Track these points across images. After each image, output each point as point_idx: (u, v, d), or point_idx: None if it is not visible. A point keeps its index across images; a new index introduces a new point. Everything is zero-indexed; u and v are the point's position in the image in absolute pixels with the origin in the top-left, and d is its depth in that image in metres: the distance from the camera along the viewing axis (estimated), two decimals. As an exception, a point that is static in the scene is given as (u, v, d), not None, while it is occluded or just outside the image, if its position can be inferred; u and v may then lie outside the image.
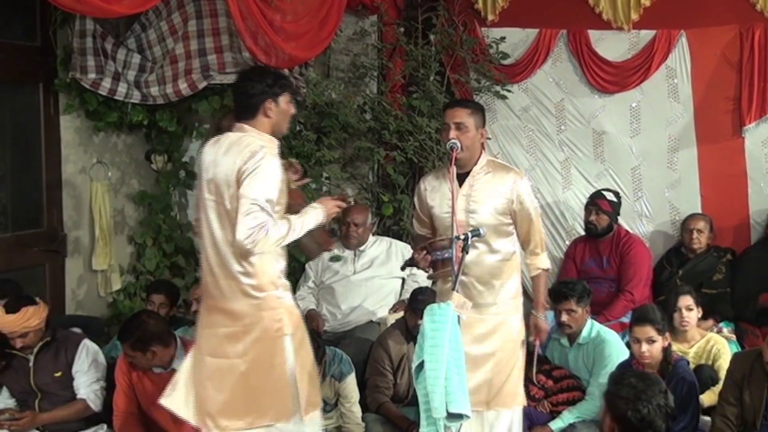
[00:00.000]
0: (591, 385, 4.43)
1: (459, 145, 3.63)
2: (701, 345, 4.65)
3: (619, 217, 5.61)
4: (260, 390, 3.32)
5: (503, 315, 3.76)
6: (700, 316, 4.73)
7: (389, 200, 5.79)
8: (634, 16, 5.77)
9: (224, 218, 3.28)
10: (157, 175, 6.06)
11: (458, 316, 3.38)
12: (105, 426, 4.36)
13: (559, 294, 4.57)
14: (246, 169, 3.20)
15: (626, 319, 4.75)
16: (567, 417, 4.35)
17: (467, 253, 3.48)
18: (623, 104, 5.91)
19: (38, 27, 5.34)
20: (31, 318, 4.16)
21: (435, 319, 3.32)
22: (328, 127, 5.77)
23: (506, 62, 6.06)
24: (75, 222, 5.61)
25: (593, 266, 5.55)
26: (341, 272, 5.32)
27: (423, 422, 3.33)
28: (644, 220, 5.89)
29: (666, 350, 4.08)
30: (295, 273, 5.28)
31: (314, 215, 3.37)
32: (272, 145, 3.35)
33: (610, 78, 5.88)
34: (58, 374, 4.28)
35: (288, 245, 3.38)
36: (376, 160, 5.92)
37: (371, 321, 5.23)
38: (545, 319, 3.92)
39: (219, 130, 3.70)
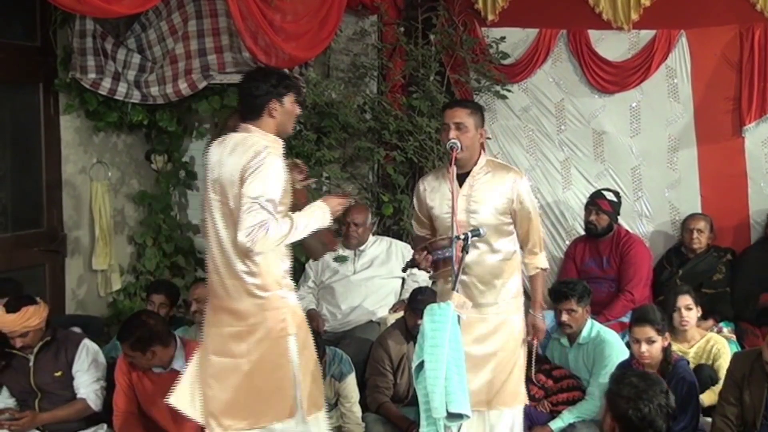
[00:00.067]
0: (591, 385, 4.43)
1: (459, 145, 3.64)
2: (701, 345, 4.65)
3: (619, 217, 5.61)
4: (263, 390, 3.33)
5: (505, 314, 3.76)
6: (699, 315, 4.73)
7: (389, 200, 5.79)
8: (634, 16, 5.76)
9: (228, 218, 3.29)
10: (157, 175, 6.07)
11: (458, 316, 3.38)
12: (105, 426, 4.36)
13: (559, 294, 4.57)
14: (249, 168, 3.21)
15: (626, 319, 4.75)
16: (567, 417, 4.35)
17: (467, 252, 3.49)
18: (623, 104, 5.91)
19: (38, 27, 5.35)
20: (32, 318, 4.16)
21: (435, 319, 3.32)
22: (328, 127, 5.77)
23: (506, 62, 6.06)
24: (75, 222, 5.62)
25: (593, 266, 5.55)
26: (341, 272, 5.33)
27: (423, 422, 3.33)
28: (644, 220, 5.89)
29: (666, 350, 4.08)
30: (295, 273, 5.26)
31: (319, 213, 3.37)
32: (277, 146, 3.36)
33: (610, 78, 5.88)
34: (58, 374, 4.28)
35: (292, 245, 3.39)
36: (376, 160, 5.92)
37: (371, 321, 5.23)
38: (543, 318, 3.92)
39: (225, 129, 3.70)
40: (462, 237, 3.47)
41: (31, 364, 4.26)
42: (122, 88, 5.47)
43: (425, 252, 3.69)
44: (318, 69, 5.96)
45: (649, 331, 4.02)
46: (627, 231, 5.64)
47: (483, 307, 3.72)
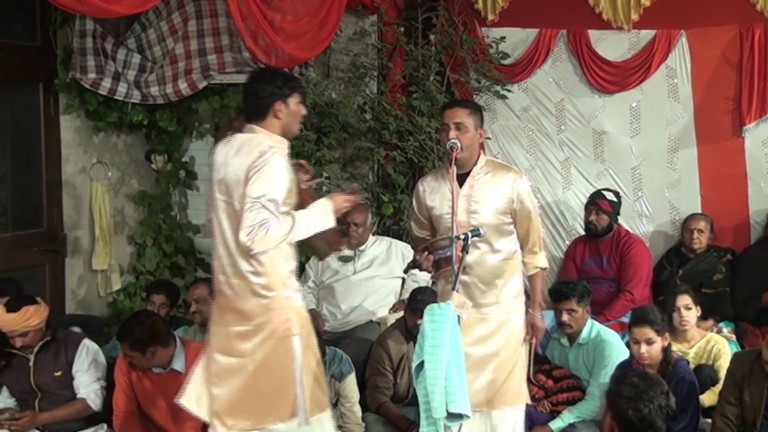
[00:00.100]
0: (591, 385, 4.43)
1: (459, 145, 3.64)
2: (701, 345, 4.65)
3: (619, 217, 5.61)
4: (267, 390, 3.34)
5: (506, 314, 3.77)
6: (699, 314, 4.73)
7: (389, 200, 5.79)
8: (634, 16, 5.76)
9: (234, 218, 3.30)
10: (157, 175, 6.07)
11: (458, 316, 3.38)
12: (105, 426, 4.35)
13: (559, 294, 4.57)
14: (253, 167, 3.22)
15: (626, 319, 4.75)
16: (567, 417, 4.35)
17: (467, 252, 3.49)
18: (623, 104, 5.90)
19: (38, 27, 5.35)
20: (32, 317, 4.16)
21: (435, 319, 3.32)
22: (328, 127, 5.77)
23: (506, 62, 6.06)
24: (75, 222, 5.62)
25: (593, 266, 5.55)
26: (341, 272, 5.33)
27: (423, 422, 3.33)
28: (644, 220, 5.89)
29: (666, 350, 4.08)
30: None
31: (321, 212, 3.37)
32: (282, 146, 3.37)
33: (610, 78, 5.88)
34: (58, 374, 4.28)
35: (297, 244, 3.39)
36: (376, 160, 5.92)
37: (371, 321, 5.23)
38: (542, 317, 3.92)
39: (230, 130, 3.71)
40: (462, 237, 3.47)
41: (31, 363, 4.26)
42: (122, 88, 5.47)
43: (426, 252, 3.69)
44: (318, 69, 5.96)
45: (649, 332, 4.02)
46: (627, 231, 5.64)
47: (484, 307, 3.72)
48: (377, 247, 5.40)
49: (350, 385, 4.48)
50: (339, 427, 4.46)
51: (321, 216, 3.36)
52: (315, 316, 5.10)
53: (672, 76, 5.79)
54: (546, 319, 4.10)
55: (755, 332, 5.12)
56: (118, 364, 4.21)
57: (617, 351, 4.43)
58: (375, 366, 4.58)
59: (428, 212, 3.85)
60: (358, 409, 4.49)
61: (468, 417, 3.33)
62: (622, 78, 5.85)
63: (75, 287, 5.65)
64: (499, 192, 3.72)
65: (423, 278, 5.18)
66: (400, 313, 4.87)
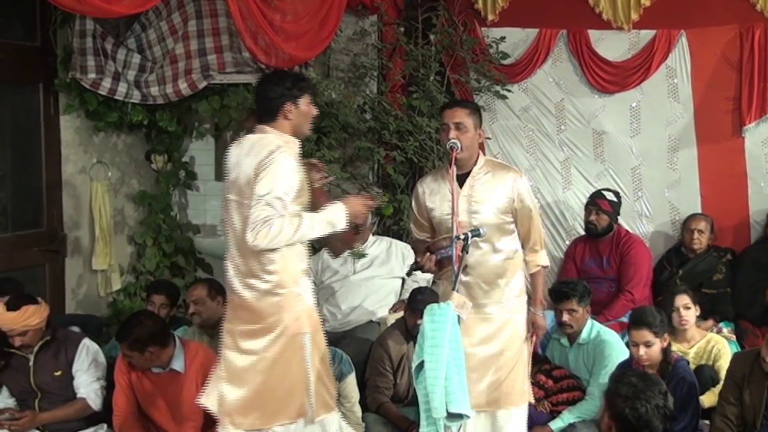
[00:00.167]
0: (591, 385, 4.43)
1: (459, 145, 3.64)
2: (701, 345, 4.65)
3: (619, 217, 5.61)
4: (279, 389, 3.35)
5: (509, 314, 3.77)
6: (698, 314, 4.73)
7: (389, 200, 5.79)
8: (634, 16, 5.75)
9: (245, 218, 3.30)
10: (157, 175, 6.07)
11: (458, 316, 3.38)
12: (105, 426, 4.35)
13: (560, 294, 4.57)
14: (261, 166, 3.24)
15: (626, 319, 4.74)
16: (567, 417, 4.35)
17: (467, 252, 3.49)
18: (623, 104, 5.90)
19: (38, 27, 5.35)
20: (31, 317, 4.16)
21: (435, 319, 3.33)
22: (328, 127, 5.77)
23: (506, 62, 6.05)
24: (75, 222, 5.62)
25: (593, 266, 5.54)
26: (341, 272, 5.33)
27: (423, 422, 3.33)
28: (644, 220, 5.89)
29: (666, 350, 4.08)
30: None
31: (335, 215, 3.36)
32: (292, 145, 3.39)
33: (610, 78, 5.87)
34: (58, 373, 4.28)
35: (310, 244, 3.41)
36: (376, 160, 5.92)
37: (371, 321, 5.23)
38: (543, 315, 3.92)
39: (242, 131, 3.73)
40: (462, 237, 3.48)
41: (31, 363, 4.26)
42: (122, 88, 5.47)
43: (428, 253, 3.69)
44: (318, 69, 5.96)
45: (647, 335, 4.02)
46: (627, 231, 5.64)
47: (487, 306, 3.72)
48: (377, 247, 5.40)
49: (350, 385, 4.47)
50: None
51: (332, 219, 3.35)
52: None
53: (672, 76, 5.79)
54: (546, 318, 4.10)
55: (755, 332, 5.12)
56: (118, 364, 4.21)
57: (617, 351, 4.43)
58: (375, 366, 4.58)
59: (428, 213, 3.85)
60: (358, 409, 4.49)
61: (468, 417, 3.34)
62: (622, 78, 5.85)
63: (75, 287, 5.65)
64: (500, 191, 3.72)
65: (423, 278, 5.18)
66: (400, 313, 4.87)
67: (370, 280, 5.29)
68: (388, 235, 5.70)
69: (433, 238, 3.85)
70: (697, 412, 4.00)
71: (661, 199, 5.86)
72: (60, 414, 4.26)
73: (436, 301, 3.58)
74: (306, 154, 5.52)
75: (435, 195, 3.81)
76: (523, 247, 3.83)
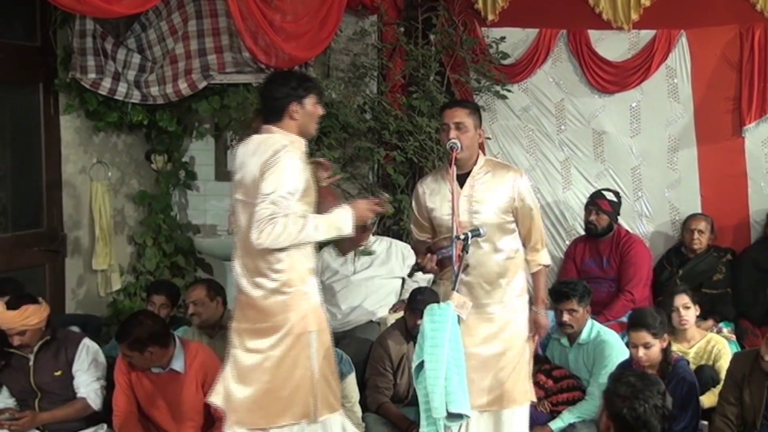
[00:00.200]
0: (591, 385, 4.43)
1: (459, 144, 3.64)
2: (701, 345, 4.65)
3: (619, 217, 5.60)
4: (286, 389, 3.35)
5: (511, 313, 3.77)
6: (698, 314, 4.72)
7: (389, 200, 5.78)
8: (634, 16, 5.75)
9: (251, 217, 3.31)
10: (157, 175, 6.07)
11: (458, 316, 3.38)
12: (105, 426, 4.35)
13: (560, 294, 4.56)
14: (266, 165, 3.25)
15: (626, 319, 4.74)
16: (567, 417, 4.35)
17: (467, 252, 3.49)
18: (623, 104, 5.90)
19: (38, 27, 5.35)
20: (31, 316, 4.15)
21: (435, 319, 3.33)
22: (328, 127, 5.77)
23: (506, 62, 6.05)
24: (75, 222, 5.62)
25: (593, 266, 5.54)
26: (341, 272, 5.33)
27: (423, 422, 3.33)
28: (644, 220, 5.89)
29: (666, 350, 4.08)
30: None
31: (341, 219, 3.36)
32: (298, 144, 3.40)
33: (610, 78, 5.87)
34: (58, 373, 4.28)
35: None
36: (376, 160, 5.92)
37: (371, 321, 5.23)
38: (545, 314, 3.93)
39: (249, 131, 3.73)
40: (462, 237, 3.47)
41: (30, 363, 4.26)
42: (122, 88, 5.47)
43: (429, 254, 3.68)
44: (318, 69, 5.96)
45: (646, 337, 4.01)
46: (627, 231, 5.64)
47: (489, 306, 3.72)
48: (377, 247, 5.39)
49: (350, 385, 4.47)
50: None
51: (339, 222, 3.35)
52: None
53: (672, 76, 5.79)
54: (548, 318, 4.10)
55: (755, 332, 5.12)
56: (118, 364, 4.21)
57: (617, 351, 4.43)
58: (375, 366, 4.58)
59: (428, 214, 3.85)
60: (358, 409, 4.49)
61: (468, 417, 3.33)
62: (622, 78, 5.85)
63: (75, 287, 5.65)
64: (500, 191, 3.71)
65: (423, 279, 5.18)
66: (400, 313, 4.87)
67: (370, 280, 5.29)
68: (388, 235, 5.69)
69: (433, 238, 3.85)
70: (697, 412, 4.00)
71: (661, 199, 5.86)
72: (60, 414, 4.25)
73: (436, 301, 3.58)
74: (306, 154, 5.55)
75: (435, 195, 3.81)
76: (524, 246, 3.83)
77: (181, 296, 5.33)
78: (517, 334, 3.78)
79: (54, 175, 5.48)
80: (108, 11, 4.13)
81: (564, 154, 6.02)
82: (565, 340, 4.64)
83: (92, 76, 5.37)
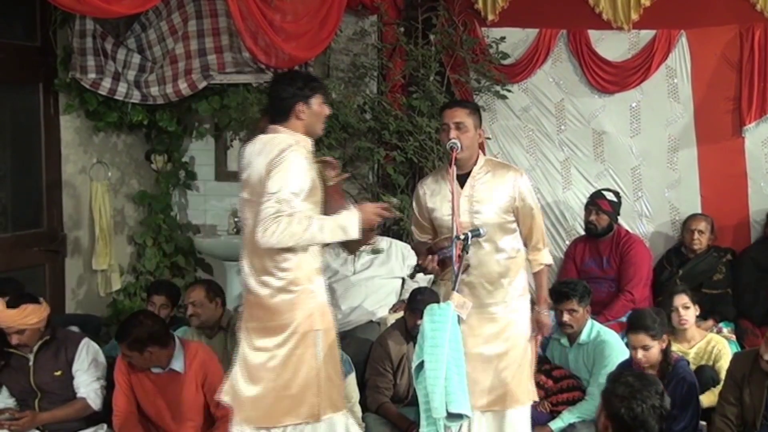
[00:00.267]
0: (591, 385, 4.43)
1: (459, 144, 3.64)
2: (701, 345, 4.65)
3: (619, 217, 5.61)
4: (292, 387, 3.35)
5: (513, 313, 3.77)
6: (698, 313, 4.72)
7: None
8: (634, 16, 5.75)
9: (258, 216, 3.31)
10: (157, 175, 6.07)
11: (458, 316, 3.38)
12: (105, 426, 4.35)
13: (560, 294, 4.56)
14: (272, 164, 3.26)
15: (626, 319, 4.75)
16: (567, 417, 4.35)
17: (467, 252, 3.49)
18: (623, 104, 5.90)
19: (38, 27, 5.35)
20: (30, 315, 4.15)
21: (435, 319, 3.32)
22: (328, 127, 5.75)
23: (506, 62, 6.05)
24: (75, 222, 5.62)
25: (593, 266, 5.54)
26: (341, 272, 5.33)
27: (423, 422, 3.33)
28: (644, 220, 5.89)
29: (665, 351, 4.08)
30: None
31: (347, 222, 3.35)
32: (304, 143, 3.41)
33: (610, 78, 5.87)
34: (58, 373, 4.28)
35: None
36: (376, 160, 5.92)
37: (371, 321, 5.23)
38: (548, 314, 3.92)
39: (255, 131, 3.74)
40: (462, 237, 3.47)
41: (30, 363, 4.26)
42: (122, 88, 5.47)
43: (430, 255, 3.68)
44: (318, 69, 5.97)
45: (644, 339, 4.00)
46: (627, 231, 5.64)
47: (491, 306, 3.72)
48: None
49: (350, 385, 4.47)
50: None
51: (345, 225, 3.34)
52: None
53: (672, 76, 5.79)
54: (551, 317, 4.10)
55: (755, 332, 5.12)
56: (118, 364, 4.21)
57: (617, 351, 4.43)
58: (375, 366, 4.58)
59: (429, 214, 3.84)
60: (358, 409, 4.48)
61: (468, 417, 3.33)
62: (622, 78, 5.85)
63: (75, 287, 5.65)
64: (501, 191, 3.71)
65: (424, 279, 5.17)
66: (400, 313, 4.87)
67: (370, 280, 5.29)
68: (388, 235, 5.69)
69: (434, 239, 3.84)
70: (697, 413, 4.00)
71: (661, 199, 5.86)
72: (60, 414, 4.25)
73: (436, 301, 3.58)
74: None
75: (436, 196, 3.81)
76: (525, 245, 3.83)
77: (181, 296, 5.34)
78: (519, 333, 3.78)
79: (54, 175, 5.48)
80: (108, 11, 4.13)
81: (564, 154, 6.02)
82: (565, 340, 4.65)
83: (92, 76, 5.37)
